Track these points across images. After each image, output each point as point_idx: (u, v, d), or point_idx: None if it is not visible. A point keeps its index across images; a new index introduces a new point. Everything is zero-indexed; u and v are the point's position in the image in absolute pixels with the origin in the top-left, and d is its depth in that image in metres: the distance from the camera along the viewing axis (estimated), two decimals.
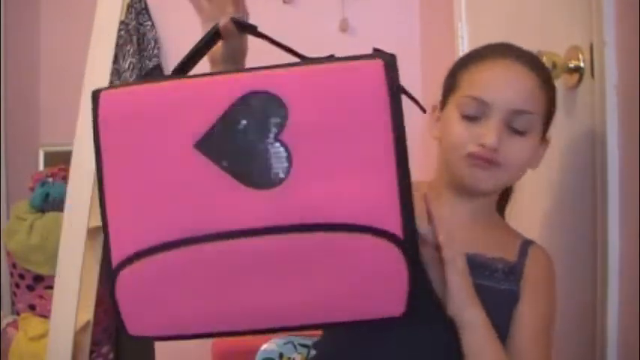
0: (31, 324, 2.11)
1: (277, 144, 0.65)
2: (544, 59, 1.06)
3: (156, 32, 2.21)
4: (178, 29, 2.28)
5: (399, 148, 0.65)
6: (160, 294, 0.68)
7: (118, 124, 0.69)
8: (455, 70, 0.98)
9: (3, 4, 2.41)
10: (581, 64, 1.03)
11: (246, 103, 0.66)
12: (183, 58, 0.81)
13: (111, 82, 2.06)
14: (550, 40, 1.14)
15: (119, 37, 2.09)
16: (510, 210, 1.08)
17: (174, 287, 0.68)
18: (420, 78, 2.19)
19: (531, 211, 1.28)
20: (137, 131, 0.68)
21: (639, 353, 0.90)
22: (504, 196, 1.06)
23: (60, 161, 2.30)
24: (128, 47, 2.11)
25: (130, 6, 2.15)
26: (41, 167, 2.53)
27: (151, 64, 2.18)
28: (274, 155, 0.65)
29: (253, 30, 0.85)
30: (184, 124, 0.67)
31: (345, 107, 0.66)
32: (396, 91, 0.66)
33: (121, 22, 2.11)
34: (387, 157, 0.65)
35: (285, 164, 0.65)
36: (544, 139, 0.96)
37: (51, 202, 2.16)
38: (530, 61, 0.93)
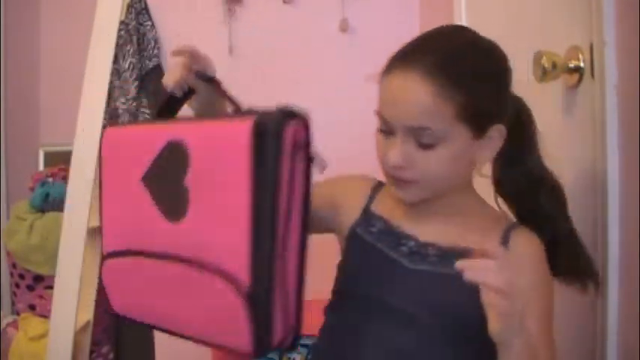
0: (31, 324, 2.11)
1: (182, 186, 0.78)
2: (544, 59, 1.06)
3: (156, 32, 2.21)
4: (178, 29, 2.29)
5: (259, 202, 0.73)
6: (118, 286, 0.89)
7: (107, 157, 0.91)
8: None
9: (3, 4, 2.41)
10: (581, 64, 1.03)
11: (168, 149, 0.81)
12: (156, 110, 0.97)
13: (111, 82, 2.06)
14: (550, 40, 1.14)
15: (119, 37, 2.09)
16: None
17: (124, 283, 0.88)
18: None
19: None
20: (115, 164, 0.89)
21: (639, 353, 0.90)
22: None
23: (60, 161, 2.30)
24: (128, 47, 2.12)
25: (130, 6, 2.15)
26: (41, 167, 2.53)
27: (151, 64, 2.18)
28: (180, 195, 0.79)
29: (213, 81, 0.96)
30: (139, 160, 0.84)
31: (222, 159, 0.76)
32: (263, 148, 0.73)
33: (121, 22, 2.11)
34: (243, 207, 0.73)
35: (185, 204, 0.78)
36: (488, 133, 0.90)
37: (51, 202, 2.16)
38: (430, 65, 0.85)
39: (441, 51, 0.88)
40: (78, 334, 1.94)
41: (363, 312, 0.94)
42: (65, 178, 2.08)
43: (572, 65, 1.05)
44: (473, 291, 0.80)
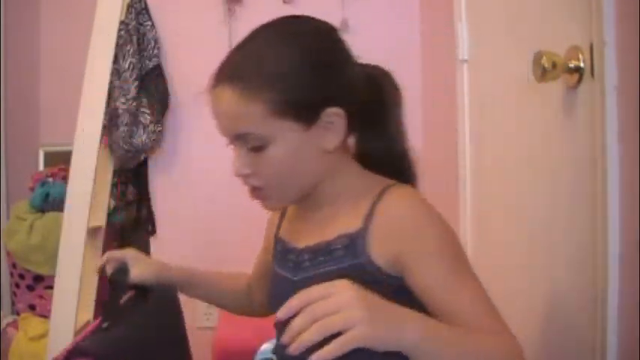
0: (31, 324, 2.11)
1: None
2: (544, 59, 1.06)
3: (156, 32, 2.21)
4: (178, 29, 2.29)
5: None
6: None
7: None
8: None
9: (3, 4, 2.41)
10: (581, 64, 1.03)
11: None
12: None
13: (111, 82, 2.06)
14: (550, 40, 1.14)
15: (119, 37, 2.09)
16: (507, 211, 1.06)
17: None
18: (420, 78, 2.19)
19: (530, 210, 1.28)
20: None
21: (639, 354, 0.90)
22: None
23: (60, 161, 2.30)
24: (128, 47, 2.12)
25: (130, 6, 2.15)
26: (41, 167, 2.53)
27: (151, 64, 2.18)
28: None
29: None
30: None
31: None
32: None
33: (121, 22, 2.11)
34: None
35: None
36: (322, 120, 0.87)
37: (51, 202, 2.16)
38: (232, 72, 0.86)
39: (242, 55, 0.88)
40: (78, 334, 1.94)
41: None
42: (65, 178, 2.08)
43: (572, 65, 1.05)
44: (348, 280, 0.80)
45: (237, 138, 0.88)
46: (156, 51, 2.18)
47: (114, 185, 2.21)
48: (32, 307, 2.18)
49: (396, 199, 0.88)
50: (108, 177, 2.16)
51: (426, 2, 2.20)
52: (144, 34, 2.18)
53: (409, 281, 0.83)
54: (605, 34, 0.95)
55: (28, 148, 2.55)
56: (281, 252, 1.00)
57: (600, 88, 0.97)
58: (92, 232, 1.98)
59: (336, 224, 0.90)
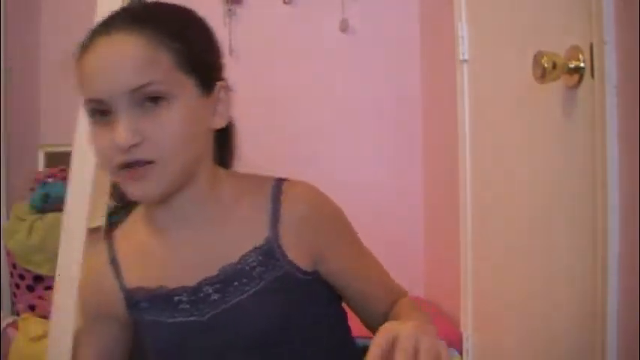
0: (31, 325, 2.11)
1: None
2: (544, 59, 1.06)
3: None
4: None
5: None
6: None
7: None
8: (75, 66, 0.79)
9: (3, 4, 2.41)
10: (581, 64, 1.03)
11: None
12: None
13: None
14: (550, 40, 1.14)
15: None
16: (505, 209, 1.07)
17: None
18: (419, 78, 2.19)
19: (531, 210, 1.28)
20: None
21: (639, 353, 0.90)
22: (224, 149, 0.90)
23: (60, 162, 2.30)
24: None
25: None
26: (41, 167, 2.53)
27: None
28: None
29: None
30: None
31: None
32: None
33: None
34: None
35: None
36: (215, 92, 0.80)
37: (51, 203, 2.16)
38: (133, 21, 0.75)
39: (145, 6, 0.81)
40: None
41: None
42: (65, 179, 2.08)
43: (572, 65, 1.05)
44: (272, 302, 0.79)
45: (131, 96, 0.73)
46: None
47: (113, 185, 2.21)
48: (32, 308, 2.17)
49: (299, 197, 0.84)
50: (108, 177, 2.15)
51: (426, 2, 2.20)
52: None
53: (323, 269, 0.85)
54: (605, 34, 0.95)
55: (28, 148, 2.55)
56: (152, 301, 0.84)
57: (600, 88, 0.97)
58: (92, 232, 1.98)
59: (235, 241, 0.82)
